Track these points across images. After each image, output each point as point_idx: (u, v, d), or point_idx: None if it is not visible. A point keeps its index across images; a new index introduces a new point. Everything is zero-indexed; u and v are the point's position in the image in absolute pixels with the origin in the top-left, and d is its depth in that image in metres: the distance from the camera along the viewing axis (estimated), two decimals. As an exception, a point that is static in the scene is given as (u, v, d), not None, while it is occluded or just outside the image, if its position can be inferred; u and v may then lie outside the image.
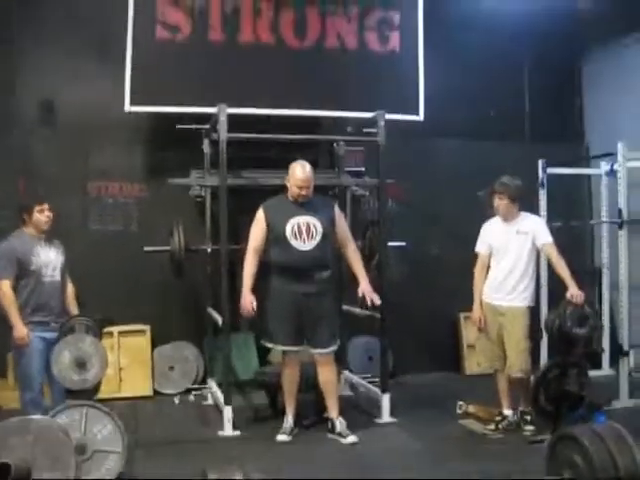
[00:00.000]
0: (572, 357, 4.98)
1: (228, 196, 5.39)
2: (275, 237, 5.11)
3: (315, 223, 5.10)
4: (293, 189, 5.13)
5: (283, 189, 5.25)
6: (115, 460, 3.92)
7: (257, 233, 5.18)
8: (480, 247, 5.40)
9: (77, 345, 4.14)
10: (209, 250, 6.25)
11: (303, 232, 5.06)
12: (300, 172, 5.11)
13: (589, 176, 7.79)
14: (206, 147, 6.28)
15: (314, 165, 6.59)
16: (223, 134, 5.33)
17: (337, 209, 5.39)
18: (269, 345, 5.31)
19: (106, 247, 6.64)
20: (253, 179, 6.17)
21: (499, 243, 5.28)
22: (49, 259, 4.93)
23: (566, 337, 4.97)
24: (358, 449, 4.97)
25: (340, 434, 5.15)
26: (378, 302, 5.20)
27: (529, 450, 4.75)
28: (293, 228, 5.06)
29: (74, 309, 5.10)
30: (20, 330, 4.71)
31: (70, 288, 5.16)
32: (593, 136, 8.04)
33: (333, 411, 5.26)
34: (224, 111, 5.36)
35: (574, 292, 4.89)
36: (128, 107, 6.08)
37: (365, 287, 5.22)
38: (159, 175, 6.51)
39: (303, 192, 5.10)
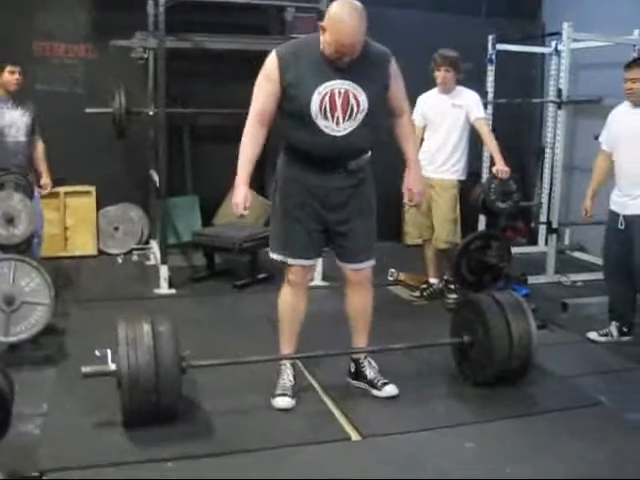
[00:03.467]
0: (494, 230, 5.20)
1: (177, 60, 5.31)
2: (293, 110, 3.31)
3: (357, 93, 3.27)
4: (329, 48, 3.18)
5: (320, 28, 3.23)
6: (43, 311, 4.09)
7: (263, 97, 3.32)
8: (414, 119, 5.43)
9: (6, 202, 4.26)
10: (151, 113, 6.24)
11: (338, 107, 3.24)
12: (347, 26, 3.11)
13: (543, 55, 7.73)
14: (150, 8, 6.19)
15: (263, 31, 6.56)
16: (161, -5, 5.23)
17: (394, 64, 3.44)
18: (273, 256, 3.62)
19: (52, 108, 6.56)
20: (196, 42, 6.04)
21: (434, 115, 5.30)
22: (13, 120, 5.19)
23: (490, 210, 5.17)
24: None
25: (372, 383, 3.73)
26: (419, 200, 3.79)
27: (444, 316, 4.96)
28: (324, 100, 3.23)
29: (43, 166, 5.47)
30: None
31: (40, 147, 5.48)
32: (552, 14, 7.89)
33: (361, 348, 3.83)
34: (163, -30, 5.20)
35: (500, 167, 5.02)
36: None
37: (415, 178, 3.69)
38: (106, 37, 6.33)
39: (345, 59, 3.21)
